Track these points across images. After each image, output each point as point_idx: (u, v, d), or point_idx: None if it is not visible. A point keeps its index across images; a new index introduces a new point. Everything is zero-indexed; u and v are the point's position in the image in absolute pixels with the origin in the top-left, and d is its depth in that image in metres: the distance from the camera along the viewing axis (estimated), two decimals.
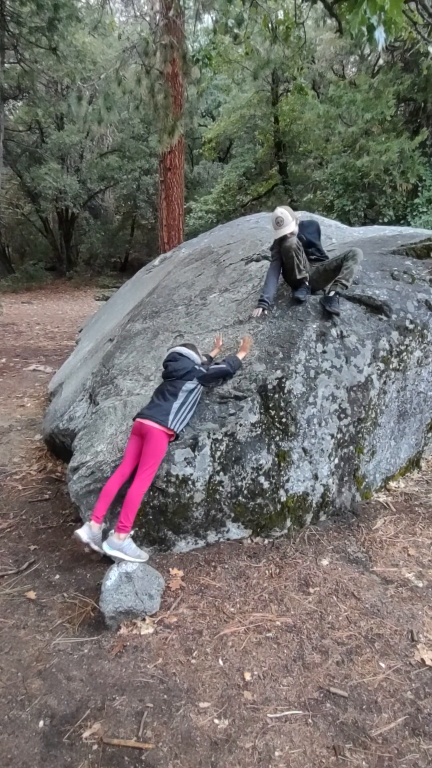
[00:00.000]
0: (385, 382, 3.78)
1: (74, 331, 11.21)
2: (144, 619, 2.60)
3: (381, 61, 13.29)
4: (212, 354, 3.63)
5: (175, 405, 3.06)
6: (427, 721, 2.04)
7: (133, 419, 3.13)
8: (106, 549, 2.82)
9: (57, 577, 3.05)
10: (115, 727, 1.96)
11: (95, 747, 1.88)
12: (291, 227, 3.74)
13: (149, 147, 15.97)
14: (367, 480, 3.85)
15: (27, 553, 3.29)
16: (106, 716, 2.01)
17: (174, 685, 2.18)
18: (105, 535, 2.97)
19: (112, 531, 2.90)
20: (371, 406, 3.71)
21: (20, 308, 15.41)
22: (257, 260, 4.65)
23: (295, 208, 11.54)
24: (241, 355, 3.42)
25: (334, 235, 5.81)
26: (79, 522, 3.57)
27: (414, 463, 4.33)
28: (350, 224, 10.56)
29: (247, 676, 2.25)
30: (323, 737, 1.96)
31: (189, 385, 3.13)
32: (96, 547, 2.90)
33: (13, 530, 3.56)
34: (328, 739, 1.95)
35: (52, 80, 14.12)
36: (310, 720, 2.03)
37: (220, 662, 2.33)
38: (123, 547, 2.83)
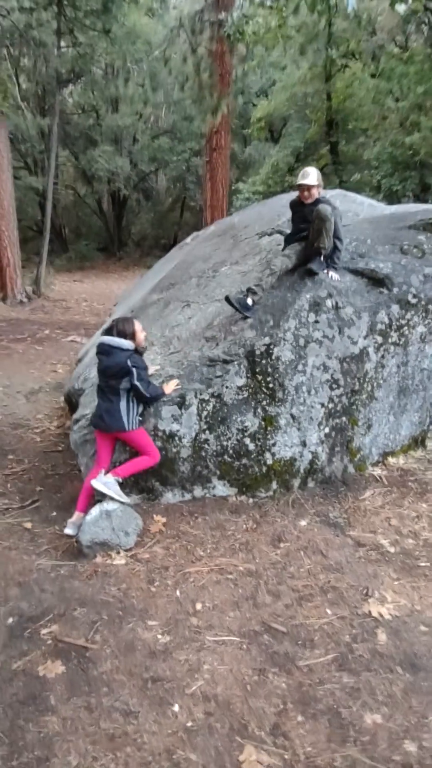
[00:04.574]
0: (383, 356, 3.78)
1: None
2: (119, 552, 2.87)
3: None
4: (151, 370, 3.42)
5: (122, 405, 3.02)
6: (356, 661, 2.16)
7: (91, 424, 3.18)
8: (94, 483, 3.06)
9: (54, 514, 3.39)
10: (70, 629, 2.25)
11: (49, 642, 2.18)
12: (312, 182, 3.58)
13: (200, 128, 16.04)
14: (362, 453, 3.89)
15: (33, 493, 3.66)
16: (65, 621, 2.30)
17: (130, 605, 2.44)
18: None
19: (104, 472, 3.16)
20: (367, 379, 3.74)
21: (71, 286, 16.17)
22: (270, 234, 4.72)
23: (344, 189, 11.26)
24: (167, 390, 3.27)
25: (364, 212, 5.71)
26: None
27: (418, 441, 4.29)
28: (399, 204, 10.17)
29: (198, 606, 2.46)
30: (252, 661, 2.14)
31: (125, 383, 3.01)
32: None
33: (25, 474, 3.95)
34: (257, 663, 2.12)
35: (108, 63, 14.48)
36: (244, 646, 2.22)
37: (177, 593, 2.56)
38: (108, 483, 3.07)
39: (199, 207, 18.16)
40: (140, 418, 3.18)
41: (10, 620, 2.29)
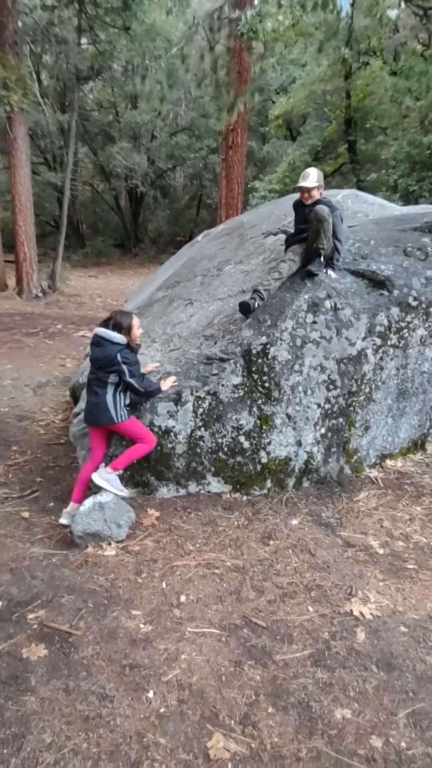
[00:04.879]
0: (381, 358, 3.78)
1: None
2: (110, 544, 2.95)
3: None
4: (143, 370, 3.44)
5: (109, 397, 3.05)
6: (332, 657, 2.19)
7: (84, 420, 3.25)
8: (95, 478, 3.16)
9: (51, 504, 3.49)
10: (56, 615, 2.34)
11: (35, 626, 2.26)
12: (311, 184, 3.59)
13: (216, 125, 16.07)
14: (359, 454, 3.90)
15: (33, 484, 3.77)
16: (52, 607, 2.39)
17: (116, 594, 2.51)
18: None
19: (104, 465, 3.24)
20: (365, 381, 3.74)
21: (87, 281, 16.38)
22: (275, 234, 4.74)
23: (361, 188, 11.15)
24: (163, 386, 3.35)
25: (373, 213, 5.69)
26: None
27: (418, 444, 4.28)
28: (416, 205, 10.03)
29: (182, 599, 2.52)
30: (230, 653, 2.19)
31: (113, 378, 3.05)
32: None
33: (26, 465, 4.07)
34: (234, 655, 2.18)
35: (128, 60, 14.57)
36: (223, 639, 2.27)
37: (163, 585, 2.62)
38: (110, 480, 3.17)
39: (215, 205, 18.19)
40: (128, 408, 3.21)
41: (0, 604, 2.39)
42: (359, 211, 5.47)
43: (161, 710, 1.88)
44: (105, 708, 1.87)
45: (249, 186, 15.12)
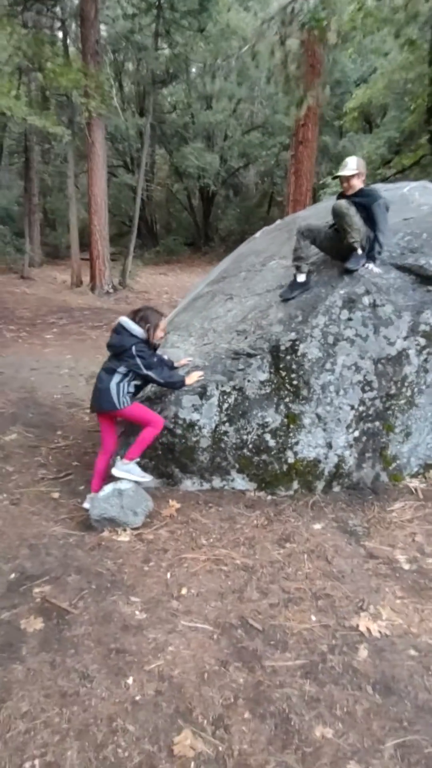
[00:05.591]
0: (426, 360, 3.50)
1: None
2: (125, 530, 3.01)
3: None
4: (177, 364, 3.53)
5: (113, 384, 3.07)
6: (325, 671, 2.07)
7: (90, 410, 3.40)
8: (115, 472, 3.26)
9: (82, 488, 3.64)
10: (59, 592, 2.43)
11: (37, 600, 2.37)
12: (348, 172, 3.43)
13: (286, 121, 15.82)
14: (399, 462, 3.65)
15: (69, 467, 3.96)
16: (57, 584, 2.49)
17: (120, 580, 2.56)
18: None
19: (120, 457, 3.32)
20: (406, 384, 3.49)
21: (156, 279, 16.89)
22: None
23: None
24: (188, 380, 3.31)
25: None
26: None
27: None
28: None
29: (183, 591, 2.51)
30: (218, 652, 2.14)
31: (123, 368, 3.08)
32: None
33: (66, 449, 4.28)
34: (222, 654, 2.13)
35: (204, 61, 14.77)
36: (215, 636, 2.23)
37: (168, 576, 2.63)
38: (130, 469, 3.24)
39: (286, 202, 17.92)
40: (131, 393, 3.17)
41: (12, 576, 2.54)
42: (425, 203, 5.08)
43: (137, 698, 1.89)
44: (83, 687, 1.92)
45: (321, 182, 14.69)
